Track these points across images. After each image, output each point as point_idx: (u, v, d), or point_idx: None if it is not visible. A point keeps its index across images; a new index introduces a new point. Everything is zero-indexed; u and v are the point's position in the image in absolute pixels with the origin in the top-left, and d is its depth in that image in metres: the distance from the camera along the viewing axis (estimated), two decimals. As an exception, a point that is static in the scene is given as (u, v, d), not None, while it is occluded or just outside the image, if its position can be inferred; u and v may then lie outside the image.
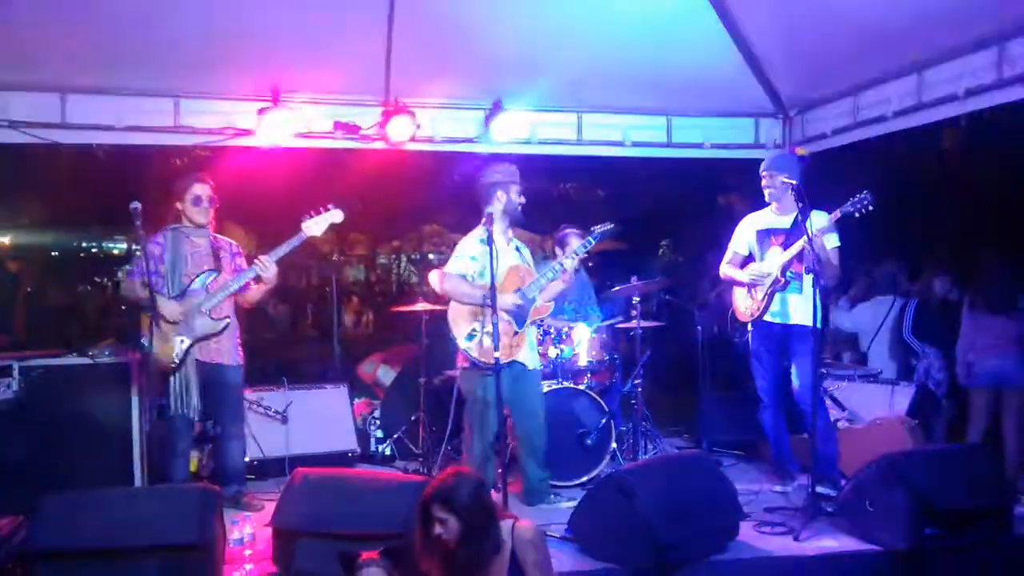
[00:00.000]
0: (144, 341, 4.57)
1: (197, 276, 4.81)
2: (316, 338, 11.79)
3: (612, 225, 5.08)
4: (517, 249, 5.12)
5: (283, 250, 4.87)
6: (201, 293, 4.79)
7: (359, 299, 14.59)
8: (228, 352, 4.91)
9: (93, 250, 16.23)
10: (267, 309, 12.83)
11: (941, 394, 6.34)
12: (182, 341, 4.72)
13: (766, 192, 5.27)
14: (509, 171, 5.04)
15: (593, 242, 5.04)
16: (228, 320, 4.86)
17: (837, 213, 4.82)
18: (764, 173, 5.25)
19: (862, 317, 6.86)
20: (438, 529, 3.04)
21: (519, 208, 5.02)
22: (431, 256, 15.88)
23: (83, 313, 11.93)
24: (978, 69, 4.98)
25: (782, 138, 6.72)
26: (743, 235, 5.41)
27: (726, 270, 5.44)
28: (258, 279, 4.88)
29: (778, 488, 5.24)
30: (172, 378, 4.71)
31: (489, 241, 4.54)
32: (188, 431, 4.88)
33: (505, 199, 4.97)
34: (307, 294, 14.06)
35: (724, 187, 13.38)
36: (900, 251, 7.16)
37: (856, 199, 4.76)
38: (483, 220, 4.86)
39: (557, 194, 14.86)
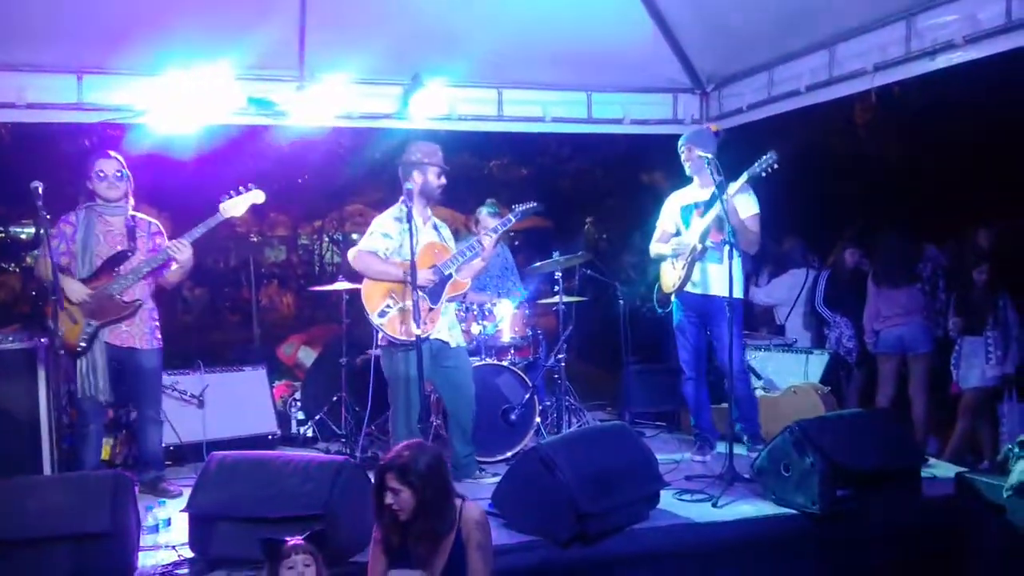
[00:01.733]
0: (50, 324, 4.39)
1: (111, 256, 4.63)
2: (235, 320, 11.57)
3: (534, 204, 5.10)
4: (435, 228, 5.08)
5: (199, 231, 4.72)
6: (113, 273, 4.62)
7: (280, 280, 14.37)
8: (142, 335, 4.74)
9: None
10: (183, 292, 12.55)
11: (852, 362, 6.56)
12: (89, 324, 4.55)
13: (686, 166, 5.35)
14: (429, 151, 4.98)
15: (513, 220, 5.04)
16: (139, 303, 4.69)
17: (745, 175, 4.95)
18: (682, 148, 5.33)
19: (777, 290, 7.03)
20: (390, 499, 2.99)
21: (438, 189, 4.98)
22: (354, 235, 15.70)
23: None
24: (887, 44, 5.11)
25: (700, 113, 6.80)
26: (669, 212, 5.48)
27: (654, 247, 5.50)
28: (173, 260, 4.74)
29: (697, 457, 5.35)
30: (80, 361, 4.54)
31: (408, 218, 4.50)
32: (98, 416, 4.71)
33: (422, 180, 4.92)
34: (225, 276, 13.78)
35: (647, 164, 13.56)
36: (813, 223, 7.35)
37: (762, 159, 4.90)
38: (401, 198, 4.81)
39: (481, 172, 14.85)
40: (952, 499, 4.27)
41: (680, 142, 5.37)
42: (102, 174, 4.67)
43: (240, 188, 4.84)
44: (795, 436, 4.18)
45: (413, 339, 4.49)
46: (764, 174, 4.90)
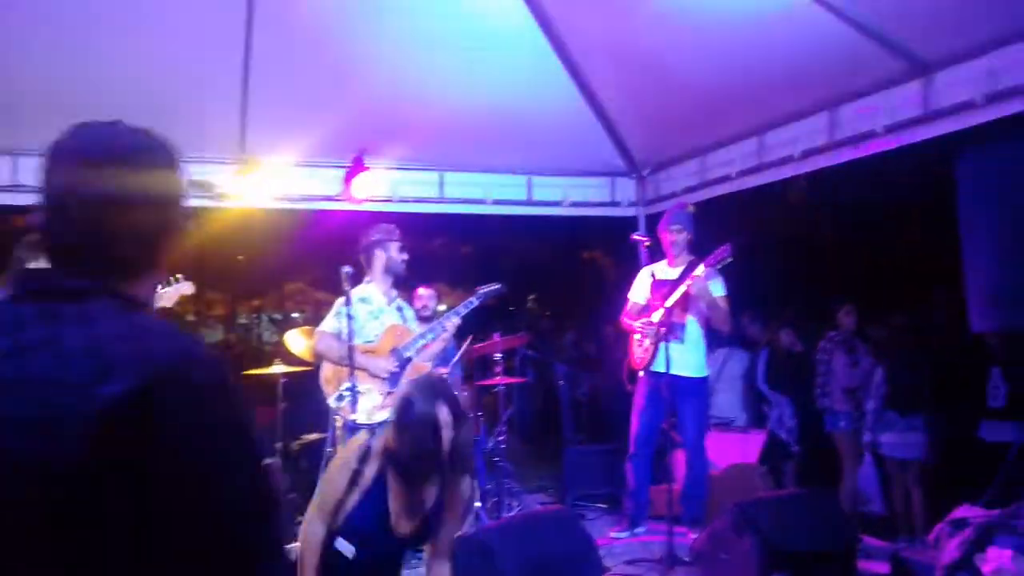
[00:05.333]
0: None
1: None
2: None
3: (497, 286, 5.16)
4: (399, 308, 5.07)
5: None
6: None
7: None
8: None
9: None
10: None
11: (792, 440, 6.63)
12: None
13: (673, 246, 5.44)
14: (388, 229, 5.04)
15: (476, 303, 5.09)
16: None
17: (701, 267, 5.05)
18: (675, 228, 5.43)
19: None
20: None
21: (402, 264, 5.00)
22: (294, 315, 15.54)
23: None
24: (813, 132, 5.33)
25: (636, 196, 6.96)
26: (641, 285, 5.55)
27: (625, 320, 5.56)
28: None
29: (623, 534, 5.32)
30: None
31: (347, 301, 4.50)
32: None
33: (385, 257, 4.95)
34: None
35: (588, 243, 13.78)
36: (749, 304, 7.49)
37: (716, 252, 5.03)
38: (367, 278, 4.90)
39: (423, 251, 14.90)
40: (889, 579, 4.30)
41: (673, 222, 5.47)
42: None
43: (169, 278, 4.79)
44: (734, 518, 4.19)
45: (370, 423, 4.48)
46: (719, 267, 5.03)
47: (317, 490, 3.08)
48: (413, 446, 2.90)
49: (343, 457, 3.07)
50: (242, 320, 16.43)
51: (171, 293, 4.74)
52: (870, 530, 5.95)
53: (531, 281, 16.47)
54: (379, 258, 4.96)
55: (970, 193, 3.92)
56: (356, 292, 4.90)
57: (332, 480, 3.04)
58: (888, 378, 5.79)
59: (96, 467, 1.08)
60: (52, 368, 1.13)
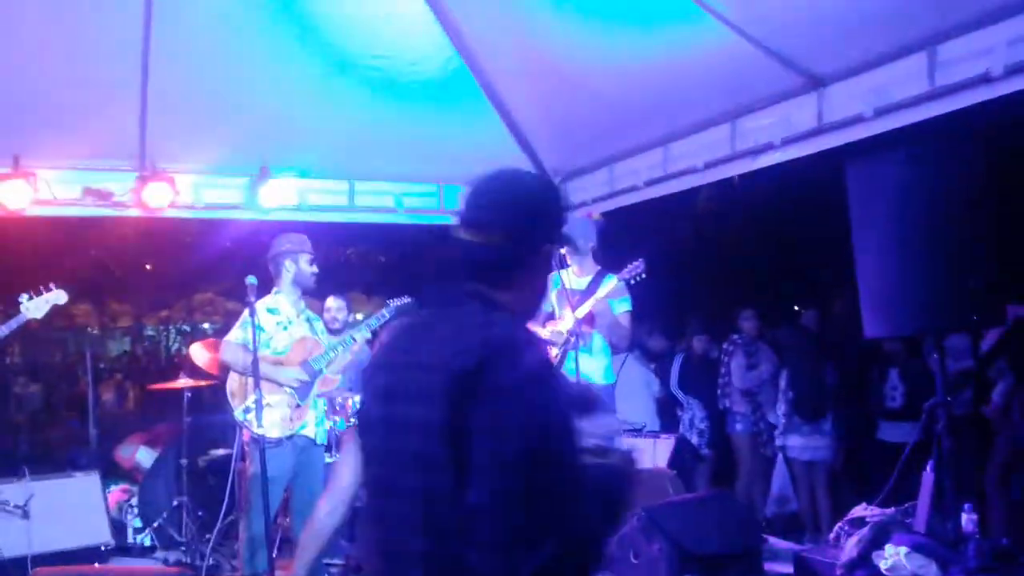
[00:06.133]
0: None
1: None
2: (71, 419, 10.83)
3: (407, 299, 5.13)
4: (308, 320, 5.00)
5: (2, 332, 4.47)
6: None
7: (123, 375, 13.58)
8: None
9: None
10: (15, 388, 11.68)
11: (703, 443, 6.78)
12: None
13: (567, 256, 5.46)
14: (298, 240, 4.96)
15: (387, 315, 5.06)
16: None
17: (614, 280, 5.10)
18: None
19: None
20: None
21: (312, 277, 4.92)
22: (205, 325, 15.15)
23: None
24: (715, 143, 5.46)
25: (548, 205, 7.00)
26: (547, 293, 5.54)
27: (531, 326, 5.54)
28: None
29: None
30: None
31: (251, 312, 4.42)
32: None
33: (295, 269, 4.88)
34: (62, 371, 12.93)
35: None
36: (652, 315, 7.61)
37: (631, 267, 5.09)
38: (275, 288, 4.81)
39: (339, 259, 14.72)
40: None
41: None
42: None
43: (41, 288, 4.65)
44: (643, 522, 4.26)
45: (282, 435, 4.48)
46: (633, 282, 5.09)
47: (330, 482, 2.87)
48: None
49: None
50: (149, 332, 15.93)
51: (41, 304, 4.60)
52: (788, 530, 6.15)
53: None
54: (288, 269, 4.89)
55: (860, 202, 4.08)
56: (264, 302, 4.81)
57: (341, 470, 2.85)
58: (792, 383, 5.98)
59: (450, 424, 1.47)
60: (430, 354, 1.57)
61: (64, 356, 13.38)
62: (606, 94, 5.45)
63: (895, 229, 3.93)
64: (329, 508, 2.76)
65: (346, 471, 2.78)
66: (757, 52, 4.57)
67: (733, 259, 10.19)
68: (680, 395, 6.91)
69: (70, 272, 4.71)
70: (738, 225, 9.81)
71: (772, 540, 5.22)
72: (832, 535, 4.27)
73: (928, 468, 3.94)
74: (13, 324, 4.51)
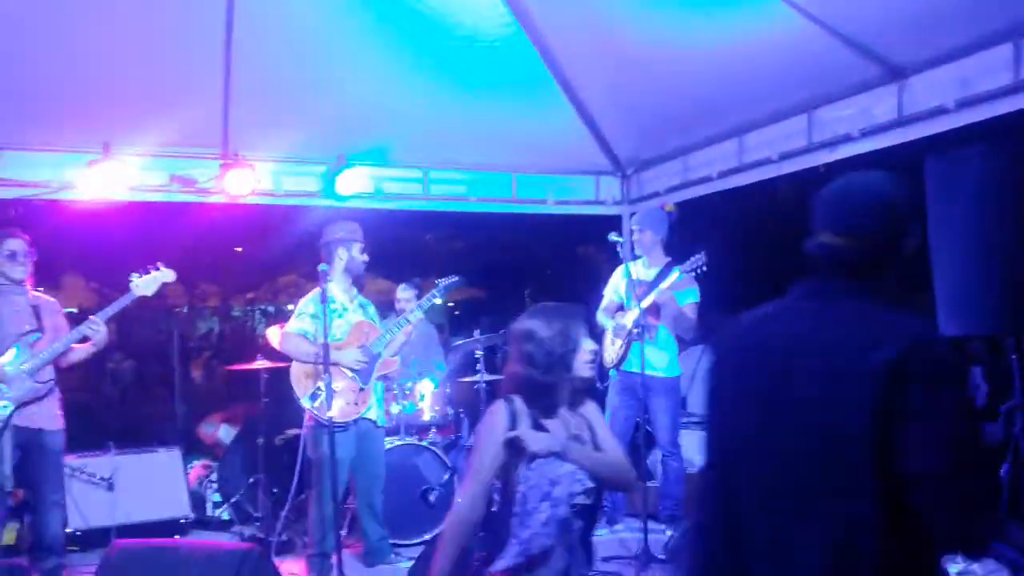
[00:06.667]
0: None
1: (20, 337, 4.54)
2: (161, 396, 11.29)
3: (457, 278, 5.20)
4: (361, 305, 5.11)
5: (112, 310, 4.67)
6: (26, 355, 4.52)
7: (210, 354, 14.08)
8: (48, 416, 4.61)
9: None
10: (108, 364, 12.22)
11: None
12: (4, 406, 4.41)
13: (636, 246, 5.49)
14: (350, 228, 5.05)
15: (437, 295, 5.11)
16: (51, 383, 4.59)
17: (676, 272, 5.09)
18: (635, 228, 5.47)
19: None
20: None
21: (362, 265, 5.03)
22: (289, 307, 15.55)
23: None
24: (791, 134, 5.36)
25: (621, 195, 6.99)
26: (616, 283, 5.58)
27: (599, 316, 5.59)
28: (85, 339, 4.66)
29: (602, 531, 5.37)
30: None
31: (323, 299, 4.52)
32: (1, 502, 4.52)
33: (347, 257, 4.97)
34: (154, 349, 13.48)
35: (581, 238, 13.80)
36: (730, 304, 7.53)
37: (693, 260, 5.07)
38: (320, 278, 4.85)
39: (416, 244, 14.92)
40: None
41: (633, 222, 5.53)
42: (12, 254, 4.60)
43: (149, 267, 4.82)
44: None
45: (346, 420, 4.62)
46: (695, 274, 5.08)
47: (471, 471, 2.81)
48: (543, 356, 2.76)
49: (489, 428, 2.79)
50: (236, 312, 16.45)
51: (150, 281, 4.78)
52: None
53: (525, 274, 16.50)
54: (340, 257, 4.98)
55: (938, 198, 3.95)
56: (314, 292, 4.90)
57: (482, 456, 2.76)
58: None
59: (868, 409, 1.58)
60: (840, 336, 1.69)
61: (155, 334, 13.91)
62: (680, 83, 5.40)
63: (975, 225, 3.80)
64: (470, 501, 2.72)
65: (487, 462, 2.73)
66: (835, 41, 4.48)
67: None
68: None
69: (162, 254, 4.89)
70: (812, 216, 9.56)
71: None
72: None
73: (1002, 471, 3.81)
74: (125, 301, 4.70)
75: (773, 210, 9.70)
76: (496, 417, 2.77)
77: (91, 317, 4.63)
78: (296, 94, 5.49)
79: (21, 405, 4.48)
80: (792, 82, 5.03)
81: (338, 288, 4.98)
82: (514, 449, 2.70)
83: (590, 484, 2.72)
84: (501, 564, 2.66)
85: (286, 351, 4.88)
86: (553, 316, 2.82)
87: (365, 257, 5.05)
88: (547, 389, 2.78)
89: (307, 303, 4.92)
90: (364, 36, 5.23)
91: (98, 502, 5.35)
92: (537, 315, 2.83)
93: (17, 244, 4.62)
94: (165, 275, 4.84)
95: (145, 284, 4.78)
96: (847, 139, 4.90)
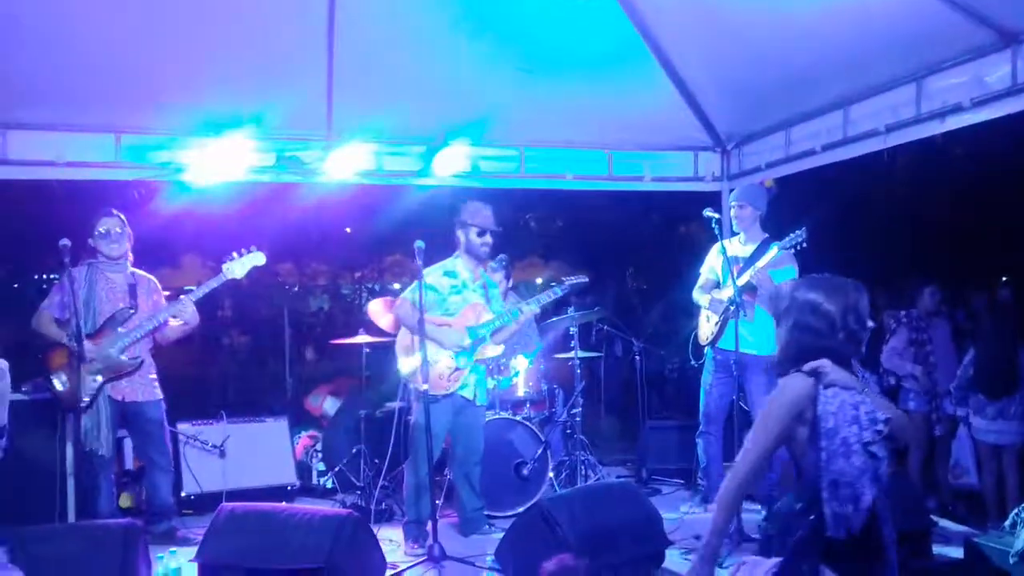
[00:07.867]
0: (54, 379, 4.56)
1: (113, 314, 4.79)
2: (273, 370, 11.77)
3: (585, 279, 5.28)
4: (484, 286, 5.20)
5: (202, 291, 4.91)
6: (117, 331, 4.77)
7: (320, 329, 14.55)
8: (143, 389, 4.88)
9: (44, 286, 16.07)
10: (224, 340, 12.83)
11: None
12: (94, 379, 4.67)
13: (735, 221, 5.42)
14: (473, 211, 5.12)
15: (560, 293, 5.21)
16: (140, 359, 4.84)
17: (775, 248, 4.99)
18: (734, 203, 5.41)
19: None
20: None
21: (482, 248, 5.09)
22: (395, 285, 15.87)
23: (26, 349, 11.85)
24: (899, 105, 5.16)
25: (720, 171, 6.87)
26: (712, 260, 5.53)
27: (696, 294, 5.56)
28: (175, 318, 4.90)
29: (697, 510, 5.34)
30: (84, 417, 4.62)
31: (418, 275, 4.65)
32: (105, 467, 4.80)
33: (465, 239, 5.09)
34: (267, 325, 14.04)
35: (682, 216, 13.59)
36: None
37: (793, 236, 4.96)
38: (416, 254, 4.97)
39: (518, 224, 14.99)
40: (961, 564, 4.19)
41: (732, 197, 5.46)
42: (105, 232, 4.85)
43: (243, 250, 5.01)
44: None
45: (438, 393, 4.73)
46: (795, 251, 4.98)
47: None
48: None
49: (779, 404, 2.72)
50: (344, 290, 16.91)
51: (243, 264, 4.98)
52: (961, 504, 5.84)
53: (628, 254, 16.36)
54: (460, 238, 5.11)
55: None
56: (443, 265, 5.06)
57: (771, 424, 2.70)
58: (978, 360, 5.59)
59: None
60: None
61: (270, 312, 14.45)
62: (781, 53, 5.25)
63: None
64: (752, 466, 2.70)
65: (775, 430, 2.72)
66: (944, 6, 4.29)
67: (914, 226, 9.49)
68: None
69: (272, 234, 5.09)
70: (928, 190, 9.13)
71: (943, 523, 4.95)
72: (1008, 522, 4.01)
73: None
74: (214, 283, 4.93)
75: (877, 184, 9.32)
76: (792, 390, 2.70)
77: (181, 297, 4.88)
78: (395, 76, 5.61)
79: (110, 379, 4.74)
80: (899, 49, 4.83)
81: (463, 266, 5.09)
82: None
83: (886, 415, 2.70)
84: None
85: (395, 315, 5.06)
86: (838, 290, 2.75)
87: (485, 240, 5.07)
88: (841, 361, 2.76)
89: (430, 272, 5.01)
90: (460, 18, 5.29)
91: (211, 468, 5.64)
92: (819, 287, 2.76)
93: (110, 223, 4.88)
94: (256, 258, 5.03)
95: (238, 266, 4.98)
96: (958, 109, 4.69)
